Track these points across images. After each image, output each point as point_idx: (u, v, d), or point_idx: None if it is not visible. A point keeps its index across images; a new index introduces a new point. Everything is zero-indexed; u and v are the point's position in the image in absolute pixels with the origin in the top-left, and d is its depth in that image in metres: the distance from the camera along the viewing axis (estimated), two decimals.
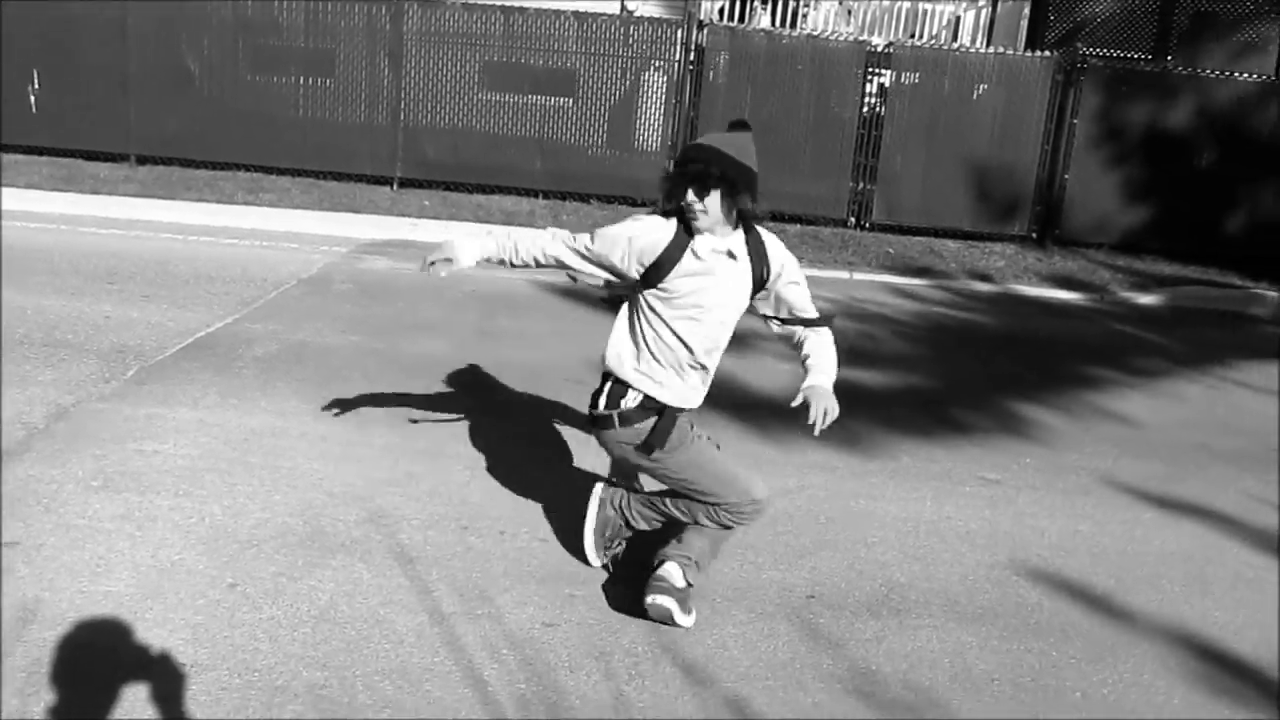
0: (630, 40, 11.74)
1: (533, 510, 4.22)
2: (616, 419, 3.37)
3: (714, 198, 3.20)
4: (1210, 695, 3.34)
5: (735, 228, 3.32)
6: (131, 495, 4.07)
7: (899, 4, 16.37)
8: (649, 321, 3.34)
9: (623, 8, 14.50)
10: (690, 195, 3.20)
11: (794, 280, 3.46)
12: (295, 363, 5.82)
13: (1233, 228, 11.60)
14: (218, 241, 9.00)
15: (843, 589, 3.81)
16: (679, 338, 3.32)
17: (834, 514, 4.43)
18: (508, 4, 11.82)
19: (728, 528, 3.46)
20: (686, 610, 3.40)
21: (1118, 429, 5.88)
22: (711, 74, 11.57)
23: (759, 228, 3.40)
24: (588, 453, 4.86)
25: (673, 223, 3.29)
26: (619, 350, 3.40)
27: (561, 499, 4.33)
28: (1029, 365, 7.12)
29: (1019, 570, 4.08)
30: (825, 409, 3.38)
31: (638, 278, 3.31)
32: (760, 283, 3.41)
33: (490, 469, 4.59)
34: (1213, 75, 11.72)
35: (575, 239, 3.39)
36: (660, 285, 3.28)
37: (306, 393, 5.36)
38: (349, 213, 10.27)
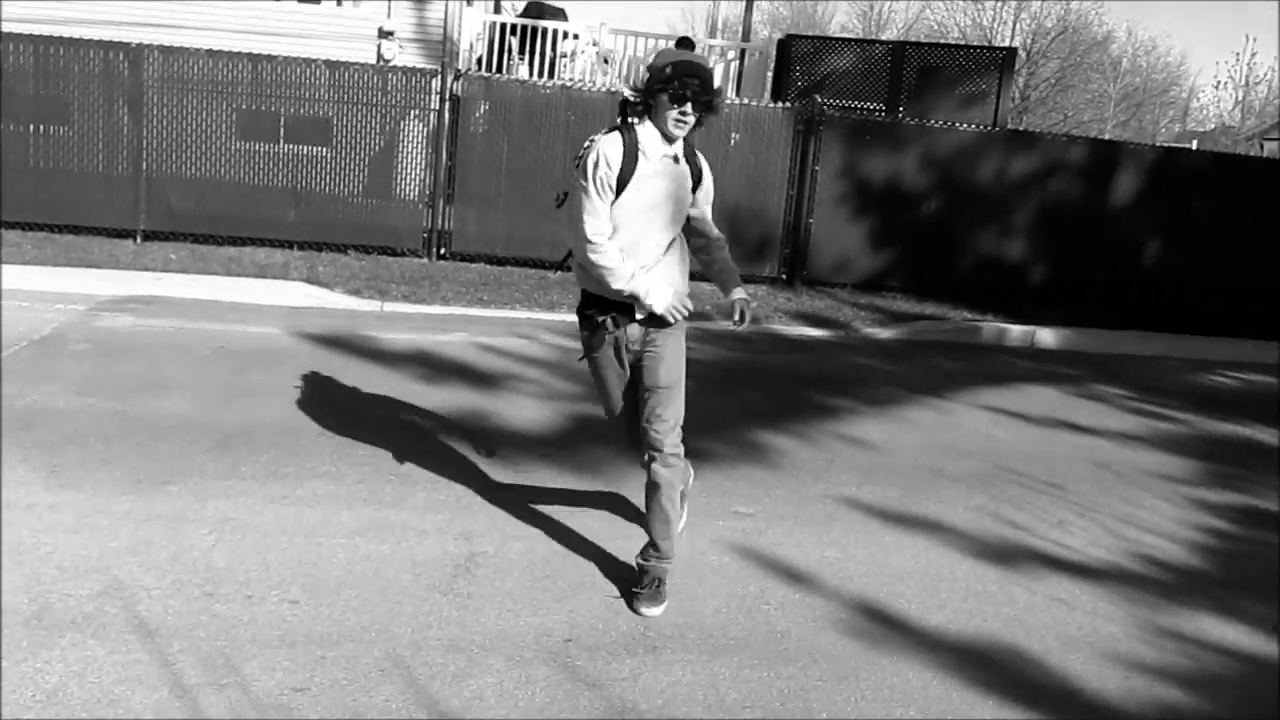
0: (387, 89, 11.66)
1: (281, 572, 4.09)
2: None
3: (697, 114, 3.76)
4: (946, 703, 3.57)
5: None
6: None
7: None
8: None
9: (379, 57, 14.39)
10: (689, 106, 3.70)
11: (708, 198, 4.12)
12: (23, 429, 5.44)
13: (961, 265, 12.52)
14: None
15: (600, 629, 3.87)
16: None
17: (592, 555, 4.49)
18: (256, 51, 11.53)
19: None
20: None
21: (860, 456, 6.22)
22: (473, 123, 11.62)
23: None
24: (339, 509, 4.75)
25: (615, 135, 3.77)
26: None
27: (312, 559, 4.22)
28: (778, 399, 7.44)
29: (769, 599, 4.24)
30: (750, 313, 4.04)
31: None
32: (696, 183, 4.01)
33: (236, 531, 4.42)
34: (938, 125, 12.65)
35: (595, 227, 3.83)
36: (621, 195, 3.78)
37: (35, 460, 5.02)
38: (87, 268, 9.70)
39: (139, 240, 11.28)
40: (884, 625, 4.11)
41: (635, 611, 4.01)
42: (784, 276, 12.23)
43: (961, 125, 12.77)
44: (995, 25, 45.41)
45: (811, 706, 3.49)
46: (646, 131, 3.80)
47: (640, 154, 3.77)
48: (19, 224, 11.16)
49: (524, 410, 6.53)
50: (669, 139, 3.81)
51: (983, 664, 3.87)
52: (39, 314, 8.11)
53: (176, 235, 11.41)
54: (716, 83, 3.77)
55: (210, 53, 11.32)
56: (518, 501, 5.01)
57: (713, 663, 3.70)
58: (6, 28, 11.40)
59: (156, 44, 11.30)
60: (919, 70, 16.05)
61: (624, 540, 4.66)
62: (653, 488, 4.02)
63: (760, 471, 5.80)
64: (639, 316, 3.92)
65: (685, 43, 4.05)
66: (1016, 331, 10.77)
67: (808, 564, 4.62)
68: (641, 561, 4.13)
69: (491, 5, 17.88)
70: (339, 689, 3.32)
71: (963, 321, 10.99)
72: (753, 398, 7.50)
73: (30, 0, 14.01)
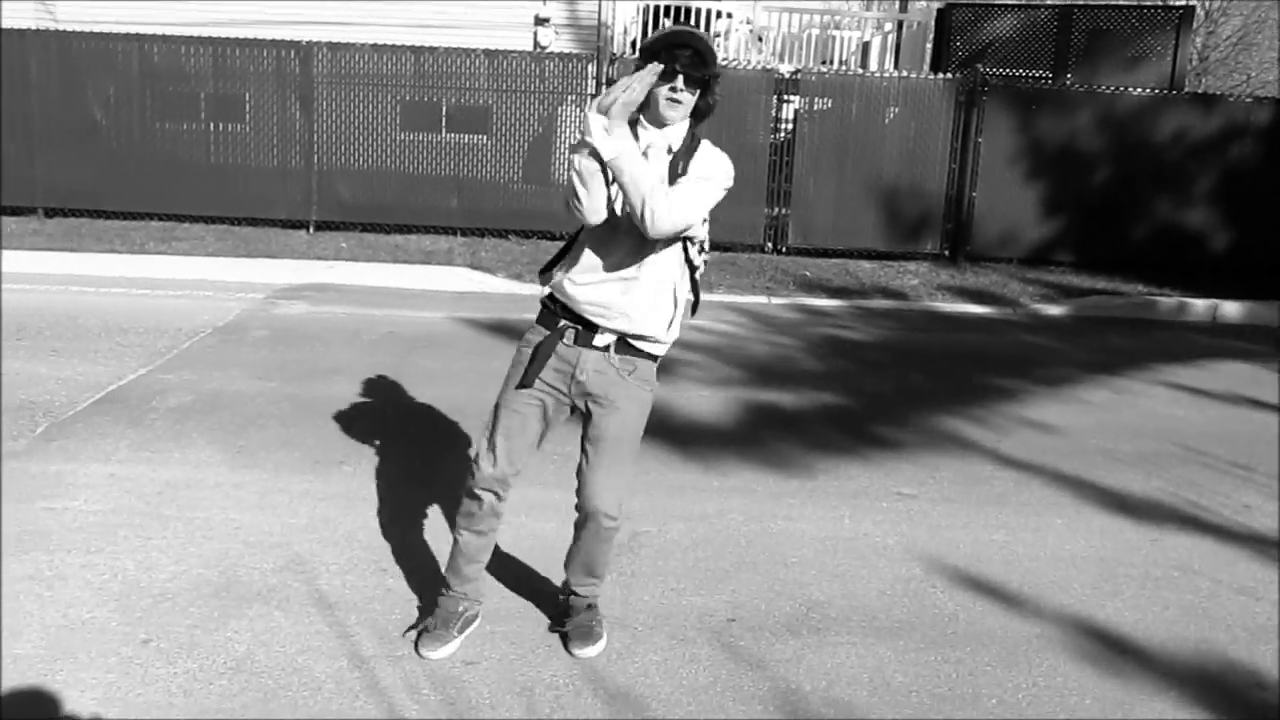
0: (544, 76, 11.82)
1: (450, 549, 4.20)
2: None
3: (694, 93, 3.09)
4: (1122, 694, 3.43)
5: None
6: (40, 554, 3.99)
7: (809, 30, 16.69)
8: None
9: (535, 45, 14.60)
10: (679, 81, 3.03)
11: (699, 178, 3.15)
12: (209, 412, 5.75)
13: (1134, 236, 11.97)
14: (129, 293, 8.86)
15: (763, 610, 3.85)
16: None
17: (753, 536, 4.47)
18: (418, 44, 11.86)
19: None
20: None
21: (1030, 436, 6.02)
22: None
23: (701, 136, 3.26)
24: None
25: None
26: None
27: None
28: (942, 379, 7.26)
29: (935, 582, 4.15)
30: None
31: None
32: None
33: (407, 511, 4.57)
34: (1109, 90, 12.11)
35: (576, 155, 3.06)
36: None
37: (221, 442, 5.30)
38: (264, 258, 10.18)
39: (311, 230, 11.76)
40: (1056, 611, 3.97)
41: (569, 653, 3.48)
42: (946, 253, 11.93)
43: (1135, 90, 12.19)
44: None
45: (980, 692, 3.40)
46: (642, 128, 3.14)
47: None
48: (202, 217, 11.78)
49: (688, 392, 6.55)
50: (661, 125, 3.13)
51: (1162, 655, 3.70)
52: (221, 303, 8.54)
53: (346, 225, 11.86)
54: (719, 56, 3.07)
55: (375, 47, 11.70)
56: (678, 482, 5.04)
57: (878, 645, 3.65)
58: (186, 31, 12.01)
59: (325, 41, 11.73)
60: (1088, 33, 15.37)
61: (785, 521, 4.65)
62: (585, 539, 3.40)
63: (925, 452, 5.68)
64: (600, 343, 3.23)
65: (683, 24, 3.48)
66: (1198, 305, 10.25)
67: (975, 547, 4.50)
68: (572, 597, 3.58)
69: None
70: (508, 663, 3.40)
71: (1138, 295, 10.52)
72: (916, 377, 7.34)
73: (209, 1, 14.73)
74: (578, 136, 3.07)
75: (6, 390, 5.97)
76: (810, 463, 5.41)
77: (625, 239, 3.13)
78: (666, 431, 5.73)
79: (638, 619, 3.72)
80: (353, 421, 5.70)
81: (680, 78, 3.04)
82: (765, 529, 4.55)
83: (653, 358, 3.32)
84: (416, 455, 5.24)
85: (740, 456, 5.43)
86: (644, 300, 3.19)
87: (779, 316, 9.21)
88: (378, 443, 5.40)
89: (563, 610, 3.62)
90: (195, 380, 6.32)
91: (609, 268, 3.17)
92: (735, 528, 4.55)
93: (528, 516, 4.54)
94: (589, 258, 3.18)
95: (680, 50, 3.02)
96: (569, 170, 3.05)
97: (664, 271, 3.21)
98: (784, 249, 11.88)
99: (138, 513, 4.41)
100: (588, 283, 3.19)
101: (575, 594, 3.55)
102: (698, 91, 3.10)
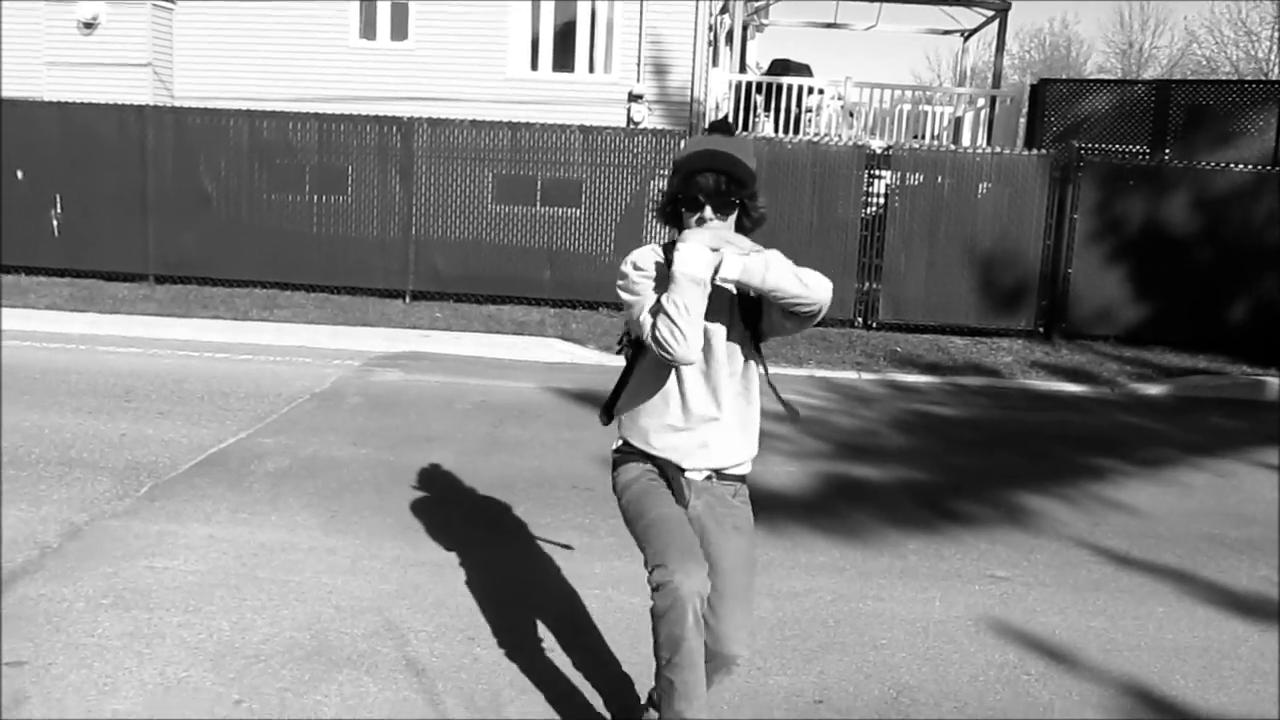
0: (635, 151, 12.03)
1: (539, 620, 4.22)
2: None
3: (732, 219, 2.81)
4: None
5: None
6: (140, 612, 4.10)
7: (901, 106, 16.76)
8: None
9: (629, 120, 14.87)
10: (708, 212, 2.76)
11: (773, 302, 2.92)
12: (306, 477, 5.88)
13: (1237, 316, 11.67)
14: (233, 358, 9.14)
15: (851, 693, 3.79)
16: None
17: (842, 616, 4.41)
18: (515, 120, 12.17)
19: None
20: None
21: (1128, 520, 5.86)
22: None
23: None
24: (593, 561, 4.87)
25: (649, 248, 2.90)
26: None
27: (567, 609, 4.34)
28: (1037, 459, 7.12)
29: (1030, 669, 4.04)
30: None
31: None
32: (753, 307, 2.93)
33: (497, 580, 4.60)
34: (1210, 167, 11.90)
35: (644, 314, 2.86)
36: None
37: (316, 506, 5.41)
38: (362, 326, 10.43)
39: (408, 300, 12.04)
40: (1157, 703, 3.84)
41: None
42: (1040, 329, 11.75)
43: (1236, 166, 11.96)
44: (1272, 57, 42.30)
45: None
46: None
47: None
48: (303, 286, 12.14)
49: (775, 467, 6.52)
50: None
51: None
52: (320, 369, 8.76)
53: (441, 295, 12.12)
54: (752, 165, 2.79)
55: (474, 123, 12.03)
56: (765, 558, 4.99)
57: None
58: (296, 107, 12.50)
59: (426, 117, 12.11)
60: (1186, 109, 15.19)
61: (875, 601, 4.57)
62: (709, 680, 2.95)
63: (1019, 534, 5.56)
64: (695, 476, 3.02)
65: (720, 126, 2.98)
66: None
67: (1071, 634, 4.38)
68: None
69: (737, 65, 18.17)
70: None
71: (1241, 376, 10.22)
72: (1010, 457, 7.21)
73: (317, 77, 15.32)
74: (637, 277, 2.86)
75: (114, 451, 6.19)
76: (900, 542, 5.33)
77: (712, 372, 2.91)
78: (753, 506, 5.69)
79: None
80: (444, 490, 5.77)
81: (706, 208, 2.78)
82: (854, 609, 4.49)
83: (745, 478, 3.10)
84: (506, 524, 5.29)
85: (828, 533, 5.37)
86: (734, 435, 3.00)
87: (869, 392, 9.14)
88: (468, 511, 5.46)
89: None
90: (292, 445, 6.48)
91: (694, 411, 2.92)
92: (823, 607, 4.50)
93: (614, 590, 4.54)
94: (660, 400, 2.93)
95: (703, 175, 2.76)
96: (652, 313, 2.80)
97: (750, 392, 3.02)
98: (874, 324, 11.82)
99: (234, 574, 4.51)
100: (667, 431, 2.94)
101: None
102: (733, 216, 2.82)
